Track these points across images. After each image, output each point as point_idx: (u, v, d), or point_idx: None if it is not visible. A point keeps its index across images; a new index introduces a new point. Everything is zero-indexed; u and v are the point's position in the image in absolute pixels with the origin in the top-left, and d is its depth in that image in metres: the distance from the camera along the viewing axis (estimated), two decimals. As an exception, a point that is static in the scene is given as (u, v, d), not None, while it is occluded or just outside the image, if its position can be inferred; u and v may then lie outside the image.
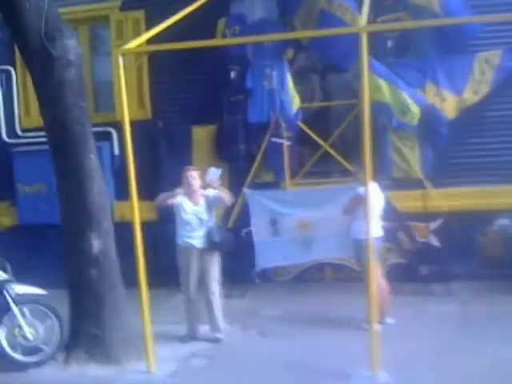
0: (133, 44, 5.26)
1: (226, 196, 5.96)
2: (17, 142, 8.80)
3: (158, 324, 6.15)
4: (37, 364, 5.48)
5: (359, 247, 5.91)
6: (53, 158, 5.50)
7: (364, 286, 5.91)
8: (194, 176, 5.97)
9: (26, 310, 5.49)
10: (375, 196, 5.91)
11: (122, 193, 6.55)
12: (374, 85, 6.94)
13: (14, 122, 8.88)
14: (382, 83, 7.20)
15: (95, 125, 7.97)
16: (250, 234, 7.36)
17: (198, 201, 6.01)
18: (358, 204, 5.92)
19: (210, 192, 5.98)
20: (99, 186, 5.45)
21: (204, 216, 5.99)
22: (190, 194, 6.01)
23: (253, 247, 7.30)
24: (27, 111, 8.74)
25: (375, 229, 5.83)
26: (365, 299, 5.79)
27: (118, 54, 5.07)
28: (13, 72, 8.79)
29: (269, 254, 7.34)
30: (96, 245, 5.40)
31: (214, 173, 5.86)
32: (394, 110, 7.24)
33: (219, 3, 7.44)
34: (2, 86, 8.89)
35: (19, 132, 8.87)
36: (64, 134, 5.32)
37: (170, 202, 5.95)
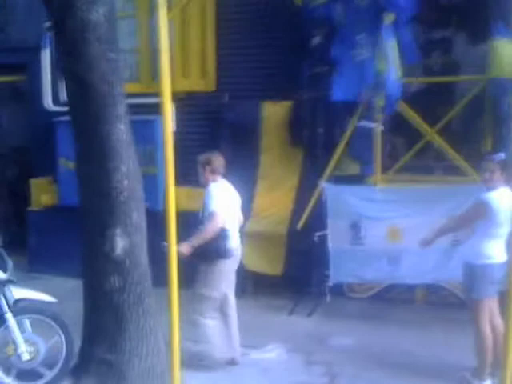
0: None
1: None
2: (61, 109, 7.62)
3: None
4: (34, 393, 4.25)
5: (472, 275, 4.45)
6: (72, 129, 4.22)
7: (466, 318, 4.63)
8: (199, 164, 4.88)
9: (25, 322, 4.28)
10: (507, 207, 4.28)
11: (177, 177, 5.52)
12: (501, 55, 5.52)
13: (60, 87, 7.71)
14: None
15: (150, 95, 6.89)
16: (324, 238, 6.01)
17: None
18: (480, 215, 4.39)
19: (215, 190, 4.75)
20: (129, 167, 4.11)
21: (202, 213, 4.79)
22: None
23: (326, 255, 5.99)
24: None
25: (500, 251, 4.35)
26: (471, 340, 4.49)
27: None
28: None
29: (346, 266, 6.04)
30: (120, 244, 4.08)
31: None
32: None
33: None
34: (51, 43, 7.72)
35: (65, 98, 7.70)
36: (85, 95, 4.01)
37: None
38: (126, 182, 4.10)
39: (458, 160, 5.94)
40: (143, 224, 4.24)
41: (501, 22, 5.56)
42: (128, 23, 7.52)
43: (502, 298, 4.39)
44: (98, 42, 3.98)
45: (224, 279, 4.73)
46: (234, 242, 4.77)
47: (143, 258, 4.22)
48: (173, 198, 3.80)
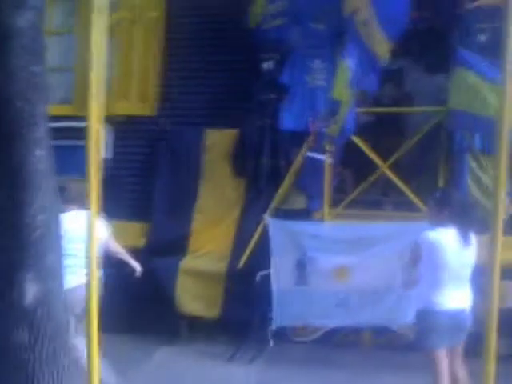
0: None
1: None
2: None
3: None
4: None
5: (419, 322, 4.05)
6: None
7: (417, 362, 4.12)
8: None
9: None
10: (452, 249, 3.92)
11: (109, 210, 5.06)
12: (462, 85, 5.34)
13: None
14: (478, 84, 5.31)
15: (83, 118, 6.39)
16: (267, 278, 5.61)
17: None
18: (418, 256, 4.00)
19: None
20: (45, 200, 3.57)
21: None
22: None
23: (270, 297, 5.58)
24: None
25: (451, 297, 3.93)
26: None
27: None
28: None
29: (290, 308, 5.64)
30: (31, 291, 3.51)
31: None
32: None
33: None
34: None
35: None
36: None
37: None
38: (41, 218, 3.55)
39: (410, 195, 5.70)
40: (60, 267, 3.69)
41: (463, 50, 5.41)
42: (67, 40, 7.13)
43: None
44: (19, 52, 3.45)
45: None
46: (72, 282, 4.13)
47: (59, 307, 3.65)
48: (95, 233, 3.39)
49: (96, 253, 3.37)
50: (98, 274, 4.35)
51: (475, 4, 5.48)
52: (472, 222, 3.98)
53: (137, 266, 4.82)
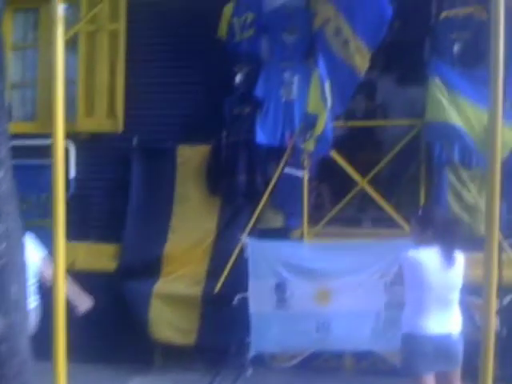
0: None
1: None
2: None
3: None
4: None
5: (403, 346, 3.84)
6: None
7: None
8: None
9: None
10: (435, 269, 3.74)
11: (77, 231, 5.08)
12: (439, 97, 5.33)
13: None
14: (453, 95, 5.32)
15: (47, 136, 6.14)
16: (245, 301, 5.37)
17: None
18: (400, 276, 3.88)
19: None
20: (9, 226, 3.29)
21: None
22: None
23: (248, 321, 5.33)
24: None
25: (441, 321, 3.74)
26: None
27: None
28: None
29: (269, 334, 5.39)
30: (-6, 327, 3.22)
31: None
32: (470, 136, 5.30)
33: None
34: None
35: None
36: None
37: None
38: (3, 246, 3.27)
39: (390, 211, 5.55)
40: (24, 299, 3.40)
41: (438, 60, 5.36)
42: (28, 55, 6.91)
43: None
44: (-26, 67, 3.23)
45: None
46: None
47: (24, 342, 3.36)
48: (62, 255, 3.27)
49: (62, 277, 3.21)
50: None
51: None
52: (455, 241, 3.83)
53: (81, 305, 4.42)
